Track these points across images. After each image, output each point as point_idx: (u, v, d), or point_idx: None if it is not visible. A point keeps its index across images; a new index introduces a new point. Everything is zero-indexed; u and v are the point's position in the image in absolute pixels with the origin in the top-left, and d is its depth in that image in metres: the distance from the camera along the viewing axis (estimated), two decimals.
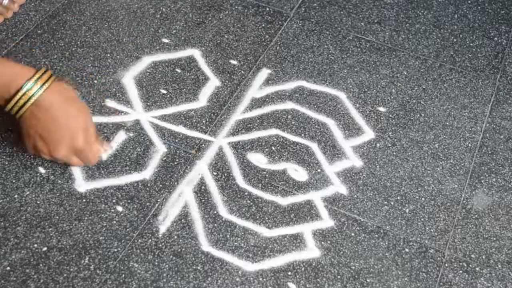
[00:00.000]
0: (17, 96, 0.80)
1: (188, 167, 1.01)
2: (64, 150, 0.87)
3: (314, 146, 1.06)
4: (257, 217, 0.96)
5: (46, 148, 0.86)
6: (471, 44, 1.25)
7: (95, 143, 0.93)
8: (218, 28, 1.23)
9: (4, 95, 0.81)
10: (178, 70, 1.14)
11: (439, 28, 1.28)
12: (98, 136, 0.95)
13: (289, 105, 1.11)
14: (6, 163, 0.99)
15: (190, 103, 1.10)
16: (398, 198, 1.00)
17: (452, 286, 0.91)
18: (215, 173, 1.00)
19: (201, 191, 0.98)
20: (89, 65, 1.14)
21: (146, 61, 1.16)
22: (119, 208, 0.95)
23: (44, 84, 0.81)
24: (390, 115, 1.11)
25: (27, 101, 0.81)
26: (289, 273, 0.90)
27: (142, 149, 1.02)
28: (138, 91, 1.11)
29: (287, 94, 1.13)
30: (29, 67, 0.83)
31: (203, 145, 1.04)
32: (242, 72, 1.16)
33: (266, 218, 0.96)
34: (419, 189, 1.01)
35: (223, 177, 1.00)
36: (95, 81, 1.11)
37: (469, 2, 1.34)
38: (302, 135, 1.07)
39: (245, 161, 1.02)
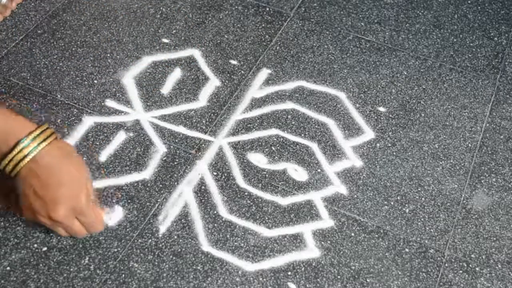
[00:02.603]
0: (14, 152, 0.72)
1: (188, 167, 1.01)
2: (64, 209, 0.75)
3: (314, 146, 1.06)
4: (257, 217, 0.96)
5: (44, 209, 0.75)
6: (471, 44, 1.25)
7: (99, 209, 0.84)
8: (218, 28, 1.23)
9: (2, 148, 0.72)
10: (178, 70, 1.14)
11: (439, 28, 1.28)
12: (97, 199, 0.86)
13: (289, 105, 1.11)
14: None
15: (190, 103, 1.10)
16: (398, 198, 1.00)
17: (452, 286, 0.91)
18: (215, 173, 1.00)
19: (201, 191, 0.98)
20: (89, 65, 1.14)
21: (146, 61, 1.16)
22: (119, 208, 0.95)
23: (44, 140, 0.73)
24: (390, 115, 1.11)
25: (24, 158, 0.72)
26: (289, 273, 0.90)
27: (142, 149, 1.02)
28: (138, 91, 1.11)
29: (287, 94, 1.13)
30: (31, 122, 0.74)
31: (203, 145, 1.04)
32: (242, 72, 1.16)
33: (266, 218, 0.96)
34: (419, 189, 1.01)
35: (223, 177, 1.00)
36: (95, 81, 1.11)
37: (469, 2, 1.34)
38: (302, 135, 1.07)
39: (245, 161, 1.02)
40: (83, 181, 0.78)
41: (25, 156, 0.72)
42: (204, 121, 1.07)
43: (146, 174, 0.99)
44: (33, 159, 0.73)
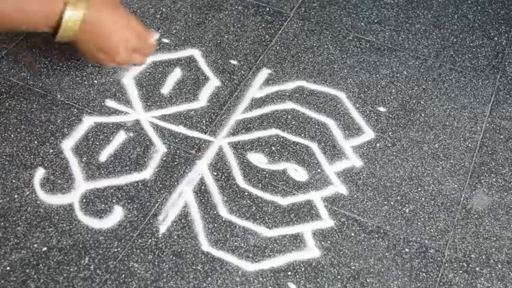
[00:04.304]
0: (63, 24, 0.82)
1: (188, 167, 1.01)
2: (123, 52, 0.91)
3: (314, 146, 1.06)
4: (257, 217, 0.96)
5: (107, 56, 0.90)
6: (471, 44, 1.25)
7: (146, 35, 0.97)
8: (218, 28, 1.23)
9: (49, 23, 0.83)
10: (178, 70, 1.14)
11: (439, 28, 1.28)
12: (145, 29, 0.98)
13: (289, 105, 1.11)
14: (6, 163, 0.99)
15: (190, 103, 1.10)
16: (398, 198, 1.00)
17: (452, 286, 0.91)
18: (215, 173, 1.00)
19: (201, 191, 0.98)
20: (89, 65, 1.14)
21: (146, 61, 1.16)
22: (119, 208, 0.95)
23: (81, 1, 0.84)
24: (390, 115, 1.11)
25: (74, 25, 0.83)
26: (289, 273, 0.90)
27: (142, 149, 1.02)
28: (138, 91, 1.11)
29: (287, 94, 1.13)
30: None
31: (203, 145, 1.04)
32: (242, 72, 1.16)
33: (266, 218, 0.96)
34: (419, 189, 1.01)
35: (223, 177, 1.00)
36: (95, 81, 1.11)
37: (469, 2, 1.34)
38: (302, 135, 1.07)
39: (245, 161, 1.03)
40: (129, 23, 0.91)
41: (74, 23, 0.83)
42: (204, 121, 1.07)
43: (146, 174, 0.99)
44: (82, 22, 0.84)
